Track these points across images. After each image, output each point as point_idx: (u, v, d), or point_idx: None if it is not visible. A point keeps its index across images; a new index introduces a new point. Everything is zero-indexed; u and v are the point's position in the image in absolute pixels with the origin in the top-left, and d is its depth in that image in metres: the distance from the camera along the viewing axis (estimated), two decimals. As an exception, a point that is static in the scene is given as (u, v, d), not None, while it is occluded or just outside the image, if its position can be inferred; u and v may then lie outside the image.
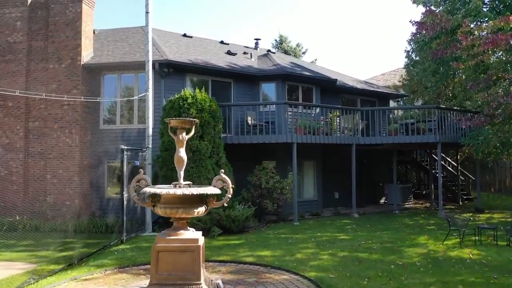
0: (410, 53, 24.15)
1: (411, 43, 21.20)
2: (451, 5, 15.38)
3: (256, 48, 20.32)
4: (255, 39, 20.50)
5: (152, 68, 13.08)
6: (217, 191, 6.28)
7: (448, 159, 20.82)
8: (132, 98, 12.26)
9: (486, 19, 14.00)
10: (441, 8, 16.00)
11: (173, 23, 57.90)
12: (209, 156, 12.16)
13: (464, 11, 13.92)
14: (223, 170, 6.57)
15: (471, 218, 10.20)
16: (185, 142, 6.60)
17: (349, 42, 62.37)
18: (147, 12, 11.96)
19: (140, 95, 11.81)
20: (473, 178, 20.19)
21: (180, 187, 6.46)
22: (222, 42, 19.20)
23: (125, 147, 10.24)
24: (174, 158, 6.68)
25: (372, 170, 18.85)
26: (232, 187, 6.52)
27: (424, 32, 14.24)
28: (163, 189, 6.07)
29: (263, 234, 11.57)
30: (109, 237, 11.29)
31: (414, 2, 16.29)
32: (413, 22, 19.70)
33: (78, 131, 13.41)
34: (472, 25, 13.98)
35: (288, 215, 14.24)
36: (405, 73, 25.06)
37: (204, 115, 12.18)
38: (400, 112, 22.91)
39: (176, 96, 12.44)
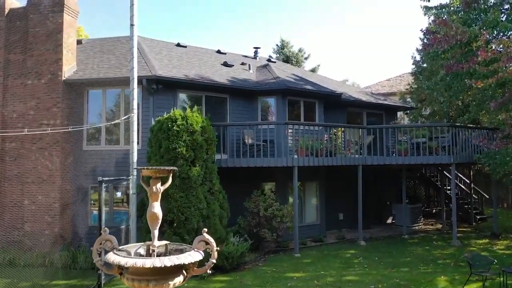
0: (418, 62, 23.02)
1: (421, 53, 19.96)
2: (465, 15, 14.13)
3: (255, 57, 19.13)
4: (254, 47, 19.34)
5: (140, 84, 11.96)
6: (197, 257, 5.11)
7: (459, 174, 19.58)
8: (114, 122, 11.08)
9: (505, 31, 12.78)
10: (454, 17, 14.75)
11: (171, 29, 56.79)
12: (200, 183, 10.98)
13: (482, 22, 12.68)
14: (205, 229, 5.40)
15: (495, 260, 9.01)
16: (160, 195, 5.44)
17: (353, 46, 61.14)
18: (132, 25, 10.78)
19: (124, 117, 10.63)
20: (487, 196, 18.92)
21: (153, 250, 5.31)
22: (219, 51, 18.01)
23: (104, 179, 9.05)
24: (146, 214, 5.48)
25: (378, 188, 17.63)
26: (216, 249, 5.36)
27: (436, 46, 13.02)
28: (129, 259, 4.90)
29: (259, 272, 10.38)
30: (89, 275, 10.16)
31: (425, 14, 15.03)
32: (424, 31, 18.48)
33: (59, 153, 12.25)
34: (488, 36, 12.79)
35: (289, 242, 13.03)
36: (413, 81, 23.86)
37: (196, 137, 11.01)
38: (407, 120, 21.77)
39: (165, 116, 11.28)
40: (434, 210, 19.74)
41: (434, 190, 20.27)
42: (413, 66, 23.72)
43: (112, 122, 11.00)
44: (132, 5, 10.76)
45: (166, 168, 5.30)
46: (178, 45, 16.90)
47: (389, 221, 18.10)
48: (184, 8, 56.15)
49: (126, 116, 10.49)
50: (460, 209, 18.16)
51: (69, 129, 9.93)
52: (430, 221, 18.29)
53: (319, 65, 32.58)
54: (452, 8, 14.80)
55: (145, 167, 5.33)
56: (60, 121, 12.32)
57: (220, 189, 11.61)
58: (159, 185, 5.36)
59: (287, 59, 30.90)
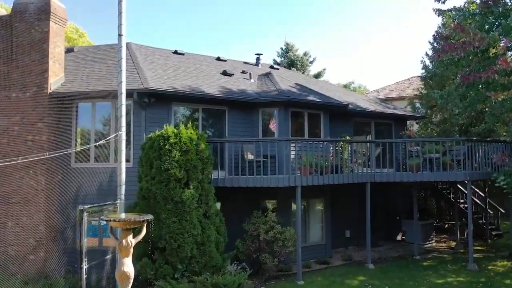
0: (428, 66, 22.02)
1: (432, 60, 18.95)
2: (482, 19, 13.12)
3: (257, 64, 18.22)
4: (256, 54, 18.44)
5: (130, 97, 11.13)
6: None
7: (472, 187, 18.49)
8: (99, 143, 10.19)
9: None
10: (469, 21, 13.74)
11: (173, 34, 56.04)
12: (195, 206, 10.11)
13: (501, 28, 11.68)
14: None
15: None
16: (132, 249, 4.58)
17: (360, 47, 60.06)
18: (120, 35, 9.91)
19: (110, 136, 9.76)
20: (503, 211, 17.84)
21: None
22: (218, 58, 17.11)
23: (85, 207, 8.20)
24: (115, 273, 4.61)
25: (387, 202, 16.67)
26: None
27: (451, 53, 12.03)
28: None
29: (259, 306, 9.49)
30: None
31: (439, 15, 14.01)
32: (436, 36, 17.44)
33: (44, 171, 11.44)
34: (509, 44, 11.80)
35: (292, 264, 12.09)
36: (422, 86, 22.80)
37: (190, 157, 10.15)
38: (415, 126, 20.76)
39: (157, 132, 10.45)
40: (447, 225, 18.68)
41: (446, 202, 19.20)
42: (423, 71, 22.73)
43: (98, 143, 10.12)
44: (120, 13, 9.89)
45: (138, 219, 4.44)
46: (176, 52, 16.02)
47: (399, 237, 17.11)
48: (187, 13, 55.44)
49: (114, 135, 9.63)
50: (473, 224, 17.13)
51: (46, 155, 9.04)
52: (442, 238, 17.25)
53: (324, 69, 31.56)
54: (467, 12, 13.79)
55: (112, 218, 4.48)
56: (47, 137, 11.53)
57: (217, 211, 10.75)
58: (130, 237, 4.51)
59: (291, 63, 29.97)
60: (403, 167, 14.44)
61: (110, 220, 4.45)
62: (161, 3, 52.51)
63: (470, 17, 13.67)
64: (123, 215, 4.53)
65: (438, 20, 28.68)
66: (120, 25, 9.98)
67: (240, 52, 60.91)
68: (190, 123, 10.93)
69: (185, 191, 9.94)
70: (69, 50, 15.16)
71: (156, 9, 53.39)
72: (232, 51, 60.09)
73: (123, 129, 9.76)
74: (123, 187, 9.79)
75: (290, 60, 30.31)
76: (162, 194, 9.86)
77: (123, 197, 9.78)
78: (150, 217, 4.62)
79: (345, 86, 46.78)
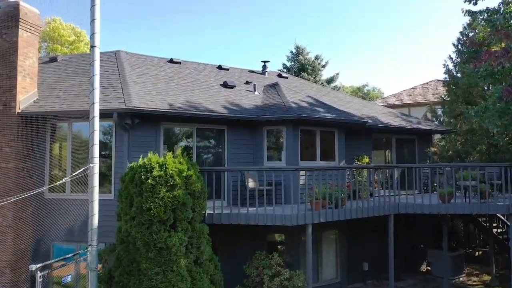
0: (451, 70, 20.03)
1: (458, 66, 16.97)
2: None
3: (263, 72, 16.42)
4: (262, 61, 16.60)
5: (110, 118, 9.47)
6: None
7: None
8: (64, 180, 8.39)
9: None
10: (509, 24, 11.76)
11: (182, 42, 54.55)
12: (184, 253, 8.34)
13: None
14: None
15: None
16: None
17: (373, 48, 57.90)
18: (92, 46, 8.20)
19: (78, 171, 8.02)
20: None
21: None
22: (220, 67, 15.34)
23: (38, 266, 6.48)
24: None
25: (409, 227, 14.74)
26: None
27: (489, 62, 10.14)
28: None
29: None
30: None
31: (470, 17, 12.06)
32: (466, 40, 15.46)
33: (12, 205, 9.78)
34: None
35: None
36: (445, 93, 20.73)
37: (177, 193, 8.35)
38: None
39: (140, 162, 8.70)
40: (477, 253, 16.59)
41: (475, 225, 17.13)
42: (445, 76, 20.72)
43: (65, 179, 8.35)
44: (93, 19, 8.16)
45: None
46: (171, 61, 14.28)
47: (423, 267, 15.18)
48: (189, 14, 53.95)
49: (82, 169, 7.90)
50: (505, 250, 15.08)
51: (11, 200, 7.34)
52: (473, 269, 15.18)
53: (337, 74, 29.62)
54: (506, 13, 11.81)
55: None
56: (14, 164, 9.90)
57: (211, 256, 8.96)
58: None
59: (302, 68, 28.14)
60: (429, 188, 12.67)
61: None
62: (165, 8, 51.08)
63: (509, 19, 11.69)
64: None
65: (461, 21, 26.52)
66: (93, 34, 8.24)
67: (247, 57, 59.22)
68: (180, 149, 9.18)
69: (171, 235, 8.17)
70: (52, 60, 13.63)
71: (158, 14, 51.97)
72: (240, 56, 58.39)
73: (96, 160, 8.03)
74: (96, 232, 8.05)
75: (301, 65, 28.48)
76: (143, 239, 8.12)
77: (95, 243, 8.04)
78: None
79: (359, 89, 44.79)
